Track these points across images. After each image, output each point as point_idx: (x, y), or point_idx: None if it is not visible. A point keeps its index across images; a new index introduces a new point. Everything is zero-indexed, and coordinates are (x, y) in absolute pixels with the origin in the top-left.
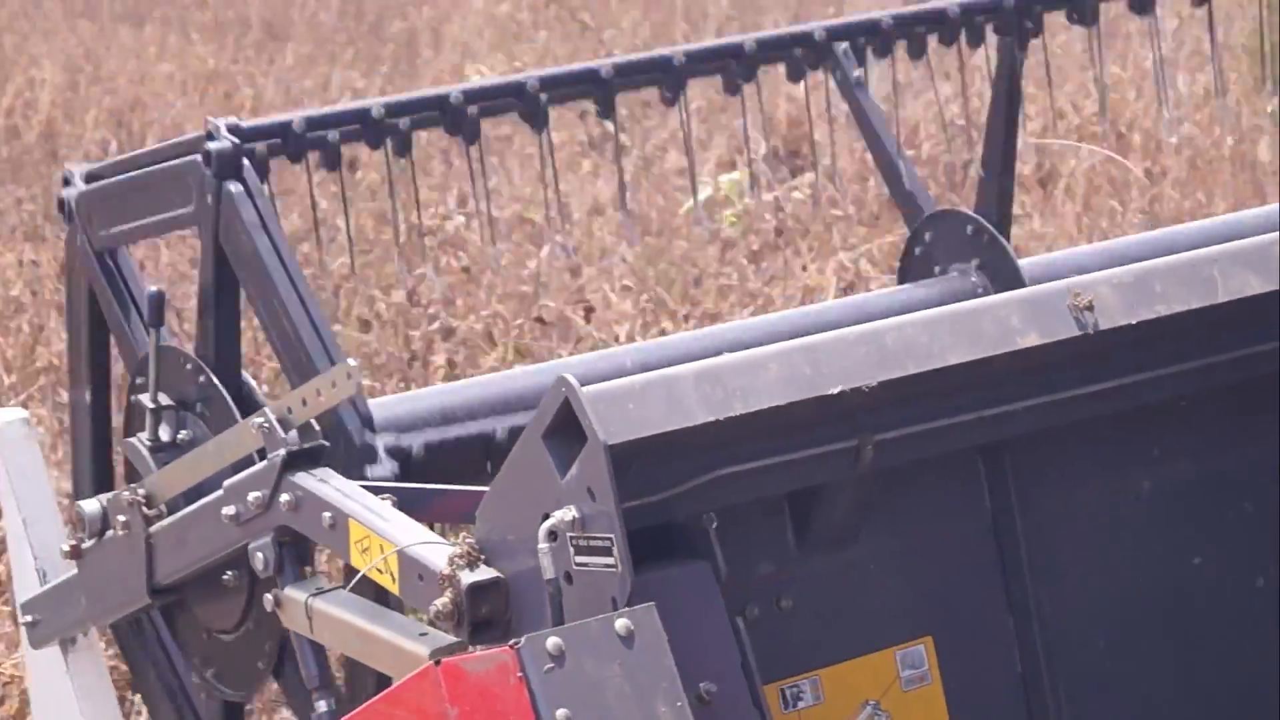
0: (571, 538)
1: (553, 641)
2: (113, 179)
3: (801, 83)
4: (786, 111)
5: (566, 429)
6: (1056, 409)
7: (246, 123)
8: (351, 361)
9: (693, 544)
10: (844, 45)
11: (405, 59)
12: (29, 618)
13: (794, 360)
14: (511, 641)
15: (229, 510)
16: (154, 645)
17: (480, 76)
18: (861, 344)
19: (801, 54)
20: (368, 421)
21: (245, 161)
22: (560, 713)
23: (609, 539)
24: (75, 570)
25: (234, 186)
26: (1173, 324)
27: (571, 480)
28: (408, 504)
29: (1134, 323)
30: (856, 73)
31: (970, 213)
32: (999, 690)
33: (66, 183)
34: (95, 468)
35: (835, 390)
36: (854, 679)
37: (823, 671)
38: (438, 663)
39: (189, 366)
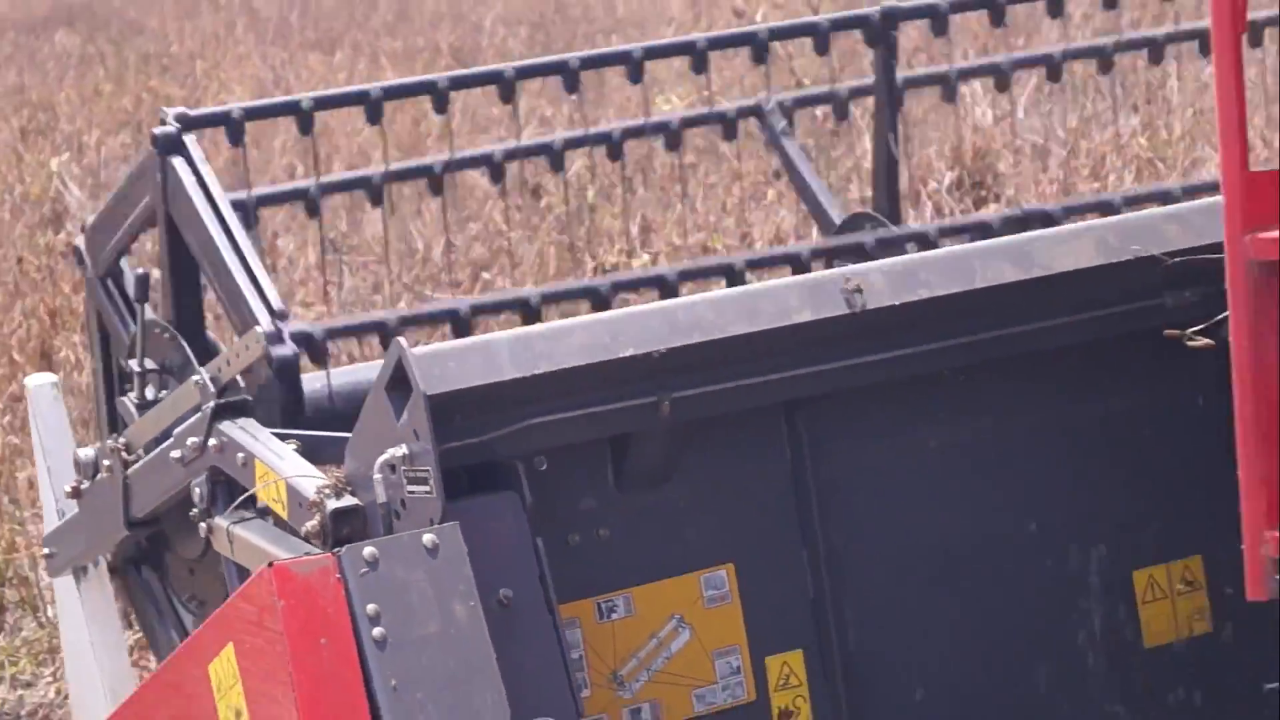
0: (404, 470)
1: (369, 550)
2: (105, 207)
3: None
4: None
5: (401, 382)
6: (838, 375)
7: (192, 111)
8: (257, 329)
9: (509, 479)
10: (771, 101)
11: (594, 86)
12: (47, 550)
13: (595, 329)
14: (333, 549)
15: (175, 454)
16: (151, 580)
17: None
18: (655, 317)
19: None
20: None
21: (187, 139)
22: (370, 607)
23: (427, 471)
24: (78, 509)
25: (176, 160)
26: (937, 306)
27: (403, 424)
28: (312, 448)
29: (898, 304)
30: (782, 124)
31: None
32: (792, 610)
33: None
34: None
35: (628, 354)
36: (662, 596)
37: (635, 589)
38: (271, 565)
39: (167, 336)
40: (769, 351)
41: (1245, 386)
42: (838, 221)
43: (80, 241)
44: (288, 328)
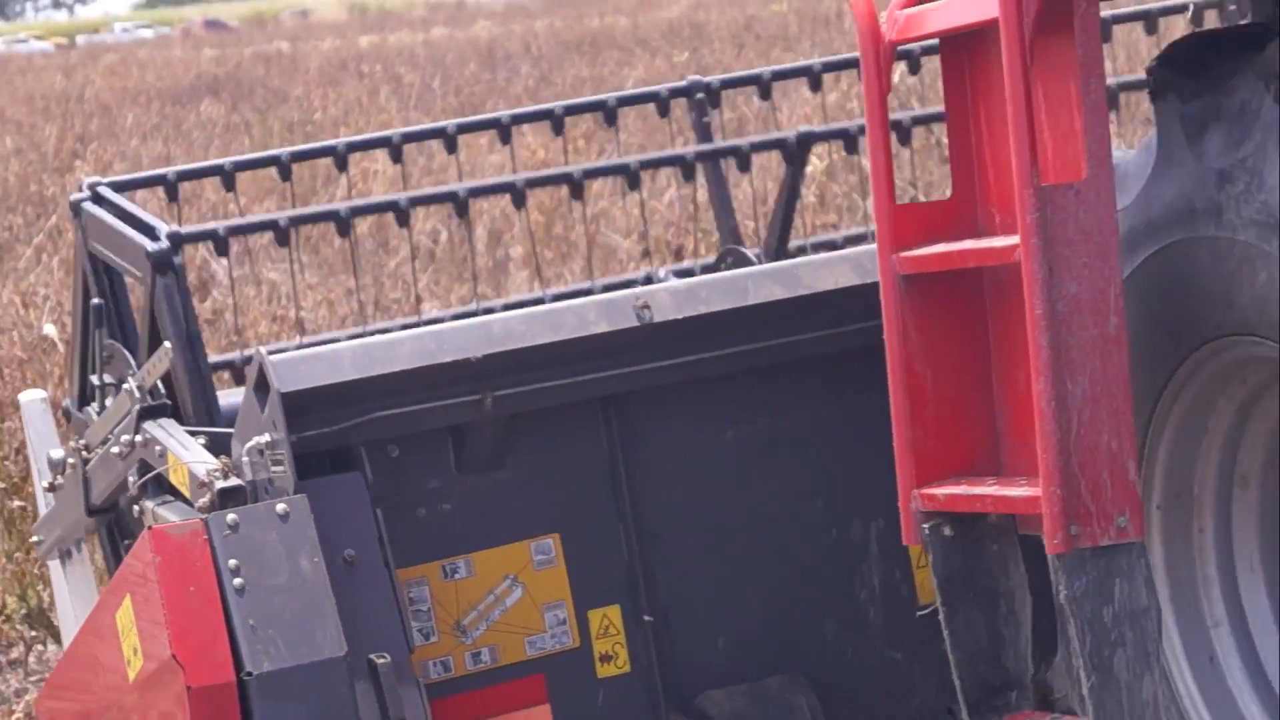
0: (269, 455)
1: (231, 517)
2: (104, 212)
3: None
4: None
5: (263, 383)
6: (635, 378)
7: (185, 229)
8: (166, 345)
9: (356, 462)
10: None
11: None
12: (36, 538)
13: (424, 339)
14: (199, 516)
15: (115, 450)
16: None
17: None
18: (475, 329)
19: None
20: (211, 392)
21: (175, 259)
22: (231, 562)
23: (283, 455)
24: (55, 501)
25: (167, 280)
26: (715, 320)
27: (265, 417)
28: (217, 443)
29: (681, 318)
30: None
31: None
32: (609, 571)
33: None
34: None
35: (449, 360)
36: (498, 560)
37: (474, 554)
38: (151, 529)
39: (123, 357)
40: (574, 357)
41: (896, 373)
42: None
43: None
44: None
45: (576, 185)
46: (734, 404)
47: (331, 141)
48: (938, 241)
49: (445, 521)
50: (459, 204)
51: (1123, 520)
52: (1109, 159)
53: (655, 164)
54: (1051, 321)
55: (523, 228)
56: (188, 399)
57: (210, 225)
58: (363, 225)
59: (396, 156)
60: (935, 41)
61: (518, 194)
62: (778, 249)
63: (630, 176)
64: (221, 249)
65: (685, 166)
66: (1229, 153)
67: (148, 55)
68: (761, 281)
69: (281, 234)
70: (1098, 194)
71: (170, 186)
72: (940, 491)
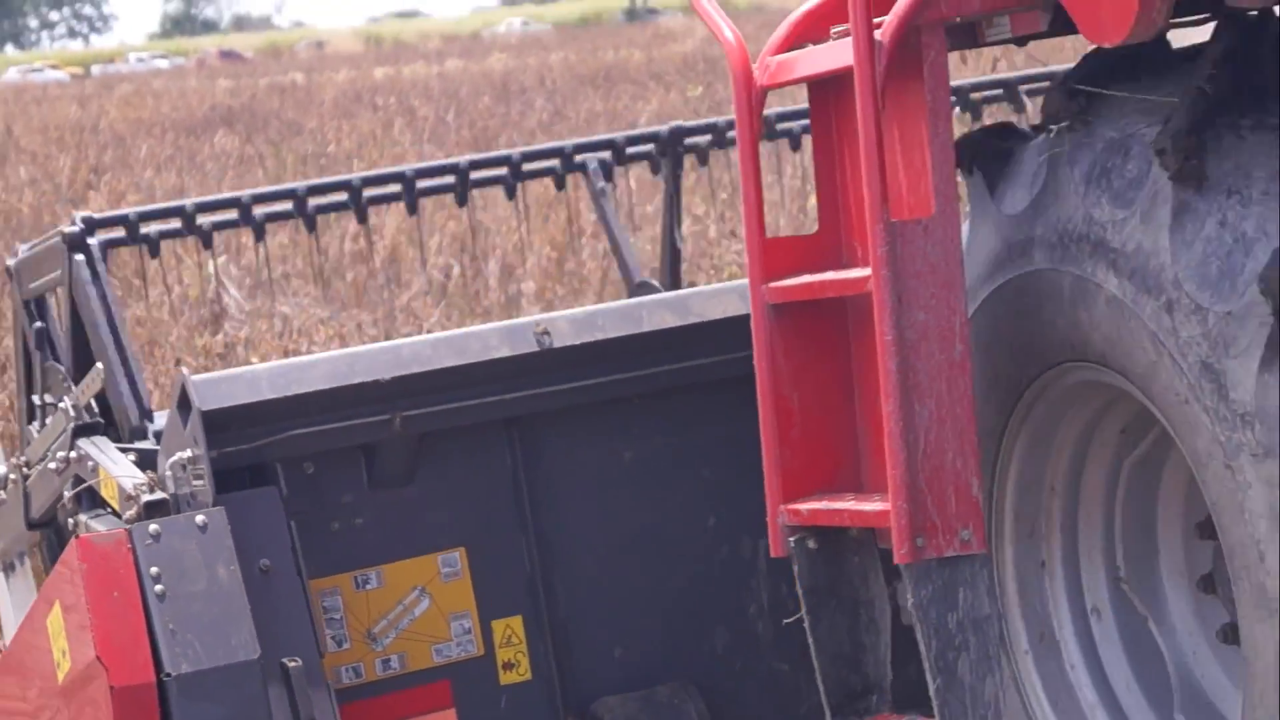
0: (190, 469)
1: (153, 527)
2: (29, 255)
3: None
4: None
5: (185, 401)
6: (536, 400)
7: (96, 215)
8: (98, 366)
9: (272, 477)
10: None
11: None
12: None
13: (336, 362)
14: (124, 526)
15: (52, 465)
16: None
17: None
18: (384, 353)
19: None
20: (144, 410)
21: (89, 241)
22: (153, 570)
23: (203, 469)
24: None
25: (79, 257)
26: (614, 346)
27: (187, 434)
28: (146, 459)
29: (579, 344)
30: (601, 184)
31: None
32: (512, 583)
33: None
34: None
35: (359, 381)
36: (407, 572)
37: (385, 566)
38: (77, 538)
39: (60, 376)
40: (479, 380)
41: (765, 396)
42: (635, 280)
43: (10, 263)
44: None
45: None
46: (631, 425)
47: (347, 177)
48: (804, 273)
49: (357, 535)
50: (406, 183)
51: (966, 534)
52: (955, 197)
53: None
54: (900, 348)
55: (535, 263)
56: (118, 396)
57: (122, 211)
58: (377, 258)
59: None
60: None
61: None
62: (671, 265)
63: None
64: (134, 235)
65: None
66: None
67: (163, 86)
68: (655, 310)
69: (188, 220)
70: (944, 229)
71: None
72: (805, 507)
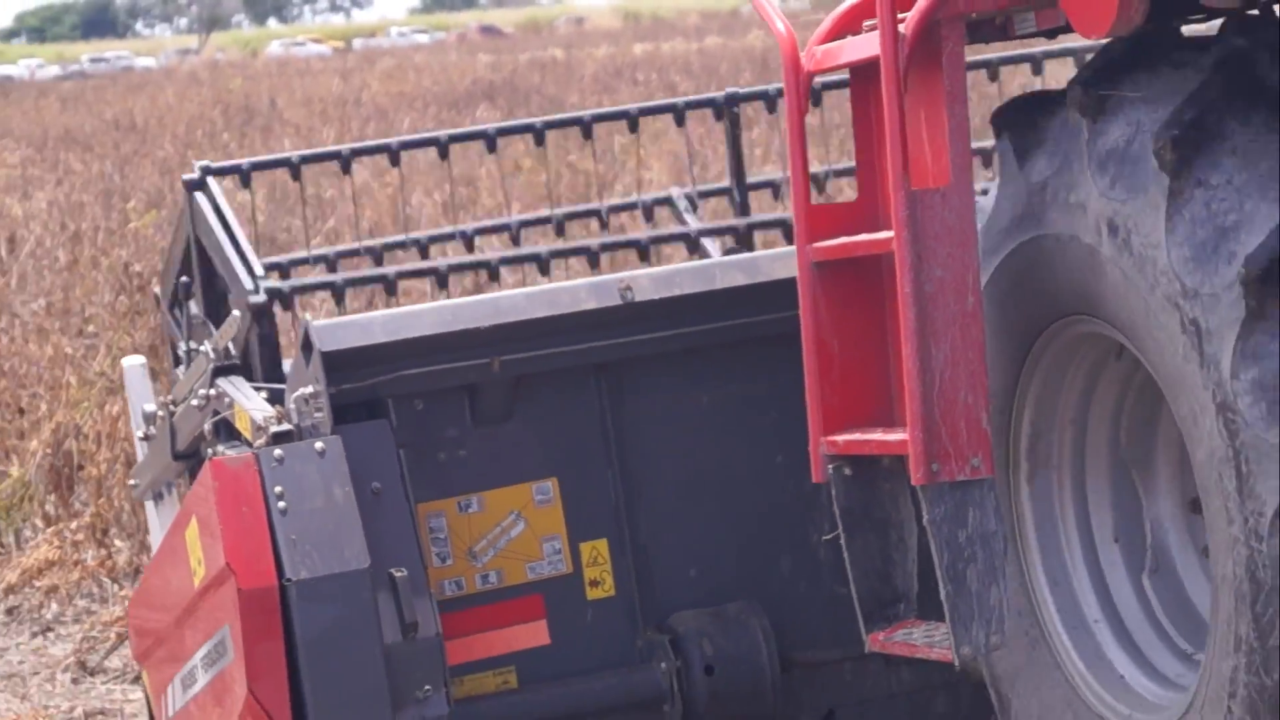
0: (312, 403)
1: (277, 452)
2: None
3: None
4: None
5: (308, 344)
6: (620, 348)
7: (214, 164)
8: (235, 313)
9: (384, 412)
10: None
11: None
12: (133, 481)
13: (442, 312)
14: (254, 450)
15: (194, 403)
16: None
17: None
18: (484, 305)
19: None
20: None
21: (209, 180)
22: (277, 489)
23: (322, 403)
24: (148, 449)
25: (201, 196)
26: (689, 302)
27: (310, 372)
28: (277, 396)
29: (658, 299)
30: None
31: None
32: (599, 510)
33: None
34: None
35: (460, 329)
36: (505, 498)
37: (485, 492)
38: (211, 460)
39: (201, 323)
40: (568, 329)
41: (808, 342)
42: None
43: (155, 288)
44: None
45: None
46: (707, 373)
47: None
48: (843, 235)
49: (461, 464)
50: (392, 154)
51: (976, 460)
52: (969, 168)
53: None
54: (919, 300)
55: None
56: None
57: (312, 279)
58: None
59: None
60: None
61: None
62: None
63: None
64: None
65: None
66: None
67: (423, 60)
68: (727, 270)
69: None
70: (959, 197)
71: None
72: (841, 438)
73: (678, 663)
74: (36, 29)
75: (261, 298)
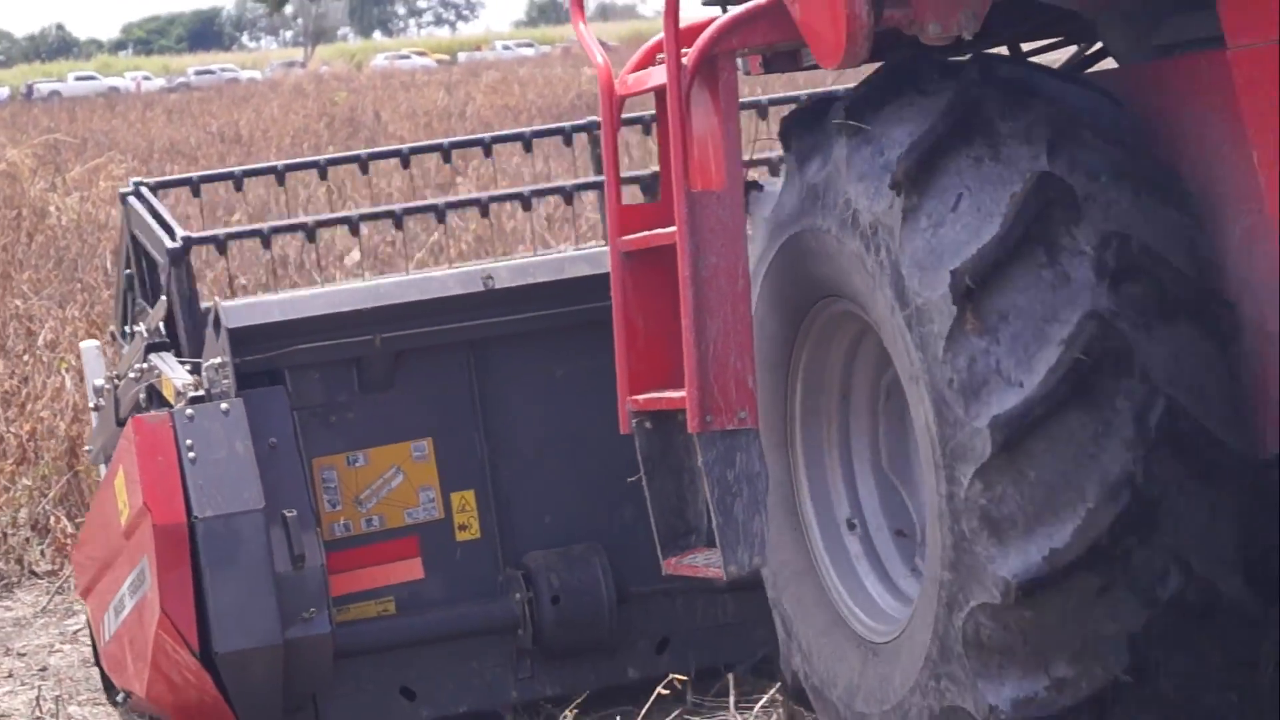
0: (221, 372)
1: (189, 412)
2: (142, 208)
3: None
4: None
5: (218, 321)
6: (489, 328)
7: (151, 180)
8: (163, 298)
9: (281, 380)
10: None
11: None
12: (88, 447)
13: (332, 296)
14: (169, 410)
15: (132, 375)
16: None
17: None
18: (368, 290)
19: None
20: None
21: (143, 189)
22: (187, 441)
23: (228, 372)
24: (98, 418)
25: (135, 201)
26: (543, 289)
27: (219, 345)
28: (198, 369)
29: (515, 285)
30: None
31: None
32: (467, 466)
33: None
34: None
35: (347, 309)
36: (387, 454)
37: (370, 449)
38: (133, 418)
39: (141, 309)
40: (439, 311)
41: (617, 318)
42: None
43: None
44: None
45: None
46: (560, 349)
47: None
48: (645, 230)
49: (350, 425)
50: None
51: (743, 414)
52: (740, 174)
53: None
54: (696, 282)
55: None
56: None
57: (240, 228)
58: None
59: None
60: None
61: None
62: None
63: None
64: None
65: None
66: (821, 174)
67: (528, 73)
68: (575, 262)
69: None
70: (731, 198)
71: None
72: (642, 397)
73: (529, 594)
74: (143, 41)
75: (178, 244)
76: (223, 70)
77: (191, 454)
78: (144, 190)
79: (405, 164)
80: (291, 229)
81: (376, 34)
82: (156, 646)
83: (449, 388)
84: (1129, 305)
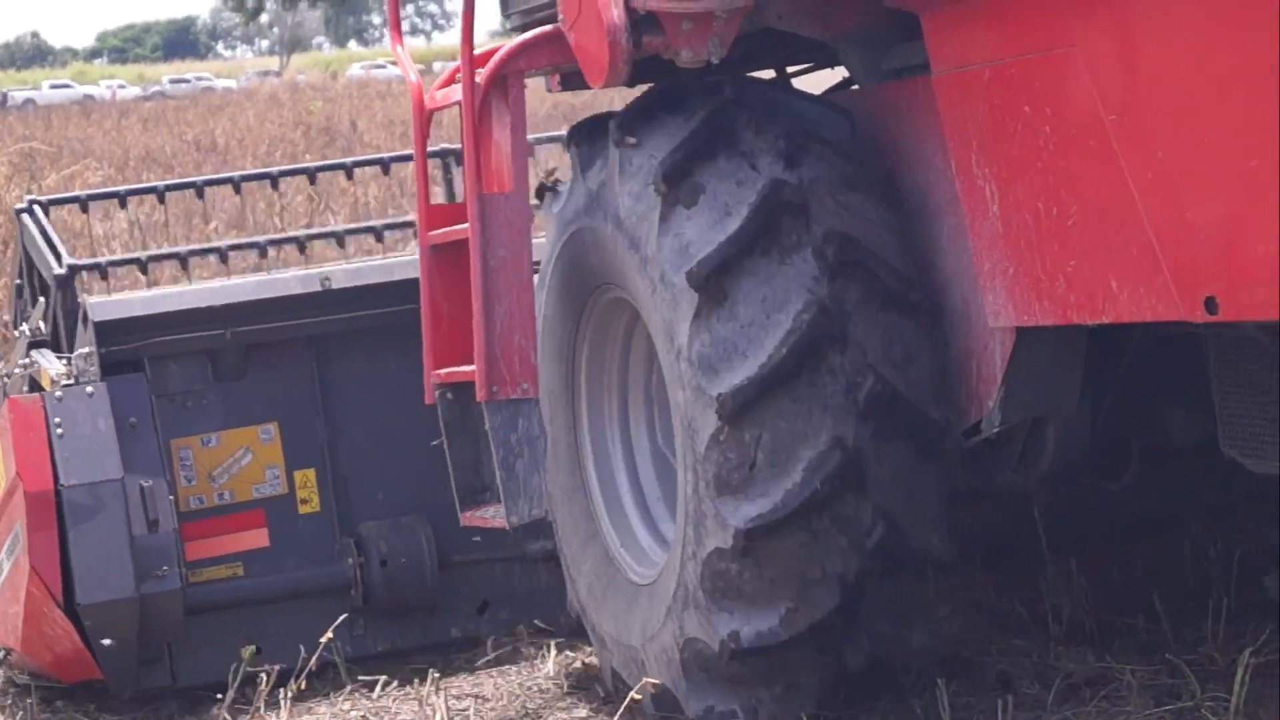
0: (89, 361)
1: (58, 394)
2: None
3: None
4: None
5: (86, 316)
6: (329, 324)
7: (43, 198)
8: (41, 300)
9: (142, 368)
10: None
11: None
12: None
13: (187, 294)
14: (41, 393)
15: (18, 370)
16: None
17: None
18: (221, 289)
19: None
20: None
21: (35, 207)
22: (56, 419)
23: (94, 361)
24: None
25: (27, 218)
26: (377, 290)
27: (86, 337)
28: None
29: (350, 286)
30: None
31: None
32: (308, 445)
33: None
34: None
35: (202, 306)
36: (237, 436)
37: (222, 431)
38: (8, 398)
39: (32, 309)
40: (284, 309)
41: (424, 303)
42: None
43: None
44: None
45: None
46: (394, 344)
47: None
48: (449, 226)
49: (205, 410)
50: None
51: (525, 385)
52: (525, 178)
53: None
54: (486, 272)
55: None
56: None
57: (122, 256)
58: None
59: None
60: None
61: None
62: None
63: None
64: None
65: None
66: (599, 178)
67: None
68: (404, 265)
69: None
70: (518, 198)
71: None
72: (444, 371)
73: (361, 559)
74: (118, 49)
75: (63, 270)
76: (198, 79)
77: (59, 430)
78: (37, 209)
79: (305, 181)
80: (167, 257)
81: (352, 43)
82: (28, 601)
83: (294, 378)
84: (846, 294)
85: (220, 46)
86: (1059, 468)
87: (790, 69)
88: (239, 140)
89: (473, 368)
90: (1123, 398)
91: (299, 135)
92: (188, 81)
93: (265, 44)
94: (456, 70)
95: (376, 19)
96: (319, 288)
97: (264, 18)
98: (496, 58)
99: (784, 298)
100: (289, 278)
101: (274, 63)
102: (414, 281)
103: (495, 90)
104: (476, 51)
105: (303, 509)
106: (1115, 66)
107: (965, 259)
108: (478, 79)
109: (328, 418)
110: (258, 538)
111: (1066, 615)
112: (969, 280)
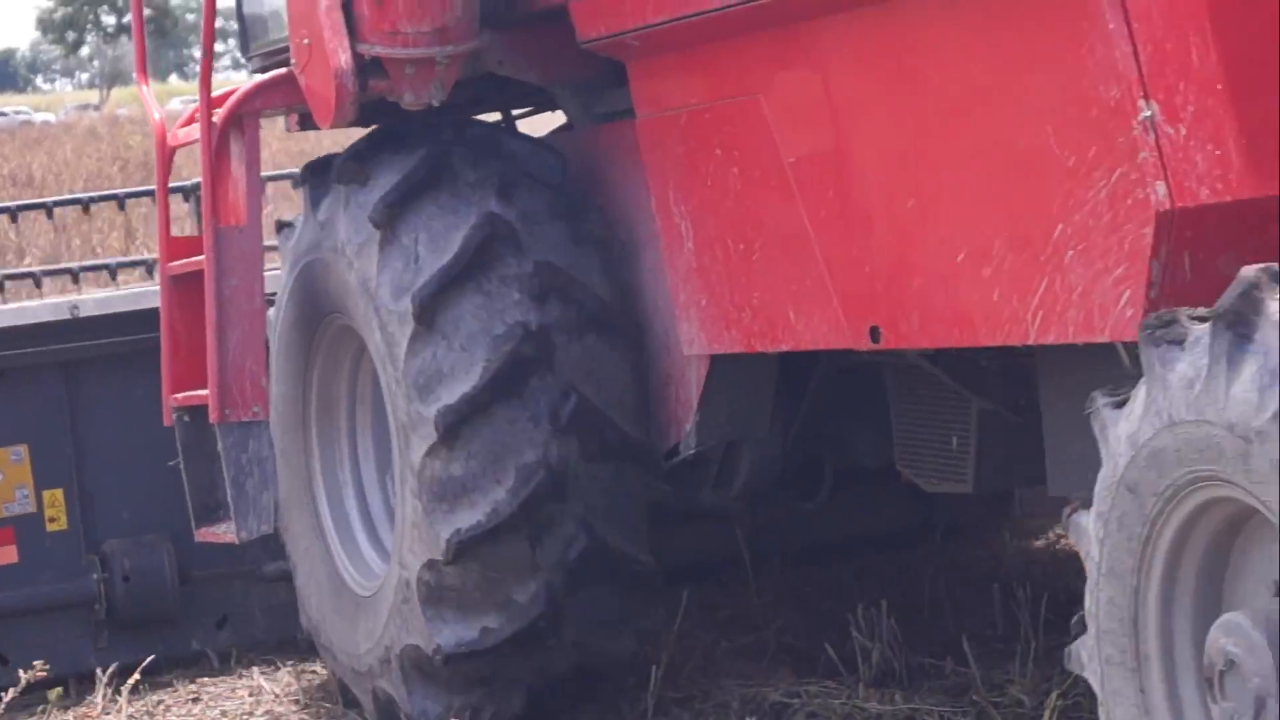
0: None
1: None
2: None
3: None
4: None
5: None
6: (79, 350)
7: None
8: None
9: None
10: None
11: None
12: None
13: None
14: None
15: None
16: None
17: None
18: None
19: None
20: None
21: None
22: None
23: None
24: None
25: None
26: (123, 318)
27: None
28: None
29: (99, 314)
30: None
31: None
32: (59, 467)
33: None
34: None
35: None
36: None
37: None
38: None
39: None
40: (35, 336)
41: (164, 329)
42: None
43: None
44: None
45: None
46: (140, 369)
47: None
48: (188, 257)
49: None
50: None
51: (256, 409)
52: (259, 213)
53: None
54: (219, 301)
55: None
56: None
57: None
58: None
59: None
60: None
61: None
62: None
63: None
64: None
65: None
66: (327, 213)
67: None
68: (147, 295)
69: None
70: (251, 232)
71: None
72: (181, 395)
73: (105, 575)
74: None
75: None
76: (16, 113)
77: None
78: None
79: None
80: None
81: (173, 78)
82: None
83: (44, 401)
84: (552, 320)
85: (39, 80)
86: (754, 487)
87: (515, 112)
88: (55, 175)
89: (207, 391)
90: (813, 422)
91: (116, 170)
92: (5, 115)
93: (85, 77)
94: (197, 110)
95: (198, 53)
96: (68, 315)
97: (84, 50)
98: (234, 98)
99: (494, 322)
100: (37, 306)
101: (95, 96)
102: (158, 310)
103: (232, 129)
104: (216, 92)
105: (50, 527)
106: (793, 114)
107: (665, 291)
108: (215, 119)
109: (78, 440)
110: (7, 554)
111: (875, 657)
112: (668, 310)
